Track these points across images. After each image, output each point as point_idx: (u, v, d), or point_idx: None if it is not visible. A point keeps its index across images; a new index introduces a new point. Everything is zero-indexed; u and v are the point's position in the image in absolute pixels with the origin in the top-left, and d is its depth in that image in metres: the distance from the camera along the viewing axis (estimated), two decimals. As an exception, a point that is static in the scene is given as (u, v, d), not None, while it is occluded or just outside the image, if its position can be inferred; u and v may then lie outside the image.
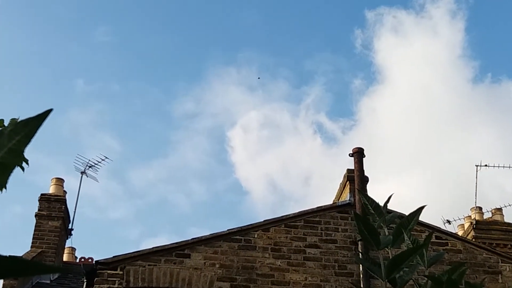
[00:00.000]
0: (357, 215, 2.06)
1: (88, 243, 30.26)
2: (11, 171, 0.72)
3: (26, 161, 2.18)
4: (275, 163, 33.72)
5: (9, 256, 0.68)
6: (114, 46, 32.99)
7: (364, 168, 9.88)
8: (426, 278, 2.13)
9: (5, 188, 0.77)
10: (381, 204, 2.31)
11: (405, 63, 31.72)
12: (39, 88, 32.53)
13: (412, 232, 2.33)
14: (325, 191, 32.87)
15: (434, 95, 30.40)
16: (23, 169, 2.06)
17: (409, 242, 2.19)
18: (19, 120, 0.73)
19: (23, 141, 0.72)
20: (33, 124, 0.72)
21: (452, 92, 32.10)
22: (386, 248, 2.23)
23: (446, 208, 23.97)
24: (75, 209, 14.71)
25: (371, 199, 2.25)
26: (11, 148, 0.71)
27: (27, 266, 0.67)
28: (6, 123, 2.07)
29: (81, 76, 32.79)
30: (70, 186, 22.65)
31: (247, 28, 33.62)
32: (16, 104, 28.48)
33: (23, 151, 0.73)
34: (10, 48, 30.03)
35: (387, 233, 2.26)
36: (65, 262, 14.55)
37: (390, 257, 2.11)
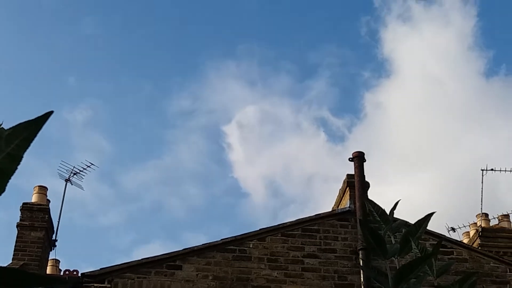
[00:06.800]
0: (363, 222, 2.07)
1: (75, 253, 30.11)
2: (9, 177, 0.72)
3: None
4: (275, 162, 33.60)
5: (11, 268, 0.68)
6: (103, 38, 32.86)
7: (369, 170, 9.89)
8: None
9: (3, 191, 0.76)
10: (387, 210, 2.31)
11: (414, 55, 31.55)
12: (27, 86, 32.41)
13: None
14: (329, 192, 32.82)
15: (445, 89, 30.26)
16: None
17: (417, 251, 2.19)
18: (18, 124, 0.73)
19: (22, 145, 0.72)
20: (33, 127, 0.72)
21: (464, 86, 31.95)
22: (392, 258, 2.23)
23: (451, 214, 23.87)
24: (59, 219, 14.65)
25: (377, 205, 2.26)
26: (9, 153, 0.71)
27: (31, 278, 0.66)
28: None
29: (71, 74, 32.67)
30: (58, 190, 22.50)
31: (247, 17, 33.46)
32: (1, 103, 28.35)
33: (22, 156, 0.73)
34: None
35: (393, 242, 2.26)
36: (49, 275, 14.50)
37: (397, 267, 2.11)
